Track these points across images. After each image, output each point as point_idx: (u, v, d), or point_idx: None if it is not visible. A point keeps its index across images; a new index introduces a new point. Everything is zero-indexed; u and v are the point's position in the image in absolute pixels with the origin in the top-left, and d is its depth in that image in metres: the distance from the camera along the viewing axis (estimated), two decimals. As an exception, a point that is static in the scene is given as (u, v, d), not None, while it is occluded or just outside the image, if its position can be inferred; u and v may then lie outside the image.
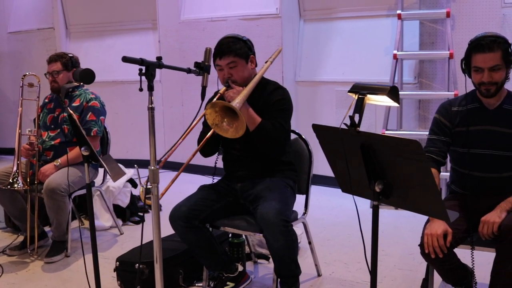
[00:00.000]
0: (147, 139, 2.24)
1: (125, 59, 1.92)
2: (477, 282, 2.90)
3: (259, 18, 5.58)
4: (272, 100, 3.03)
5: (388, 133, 4.71)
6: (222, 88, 2.97)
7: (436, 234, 2.48)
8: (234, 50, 2.99)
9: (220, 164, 3.31)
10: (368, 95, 2.00)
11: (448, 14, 4.57)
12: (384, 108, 4.80)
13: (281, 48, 3.26)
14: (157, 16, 6.36)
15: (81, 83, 3.99)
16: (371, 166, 1.99)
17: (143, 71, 2.01)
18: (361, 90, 2.01)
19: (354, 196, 2.23)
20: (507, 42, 2.61)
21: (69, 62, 3.89)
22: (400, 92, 4.82)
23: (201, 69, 2.23)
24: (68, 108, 2.56)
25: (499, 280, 2.53)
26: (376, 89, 2.00)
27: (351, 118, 1.97)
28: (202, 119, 3.06)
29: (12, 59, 7.42)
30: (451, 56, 4.54)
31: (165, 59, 2.13)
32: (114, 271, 3.24)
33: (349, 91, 2.08)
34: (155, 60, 2.08)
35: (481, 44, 2.58)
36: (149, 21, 6.53)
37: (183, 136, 2.70)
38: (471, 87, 2.75)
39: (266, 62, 3.13)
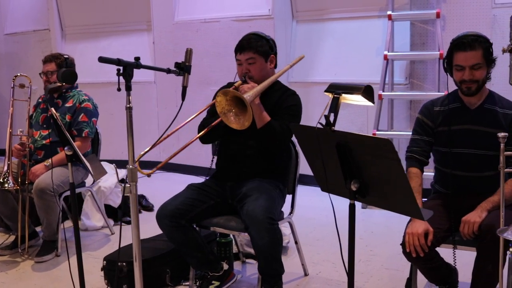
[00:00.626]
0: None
1: (102, 59, 1.94)
2: (458, 282, 2.93)
3: (252, 19, 5.61)
4: (285, 104, 3.09)
5: (379, 133, 4.73)
6: (238, 82, 3.05)
7: (417, 233, 2.50)
8: (255, 47, 3.06)
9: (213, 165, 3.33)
10: (344, 95, 2.02)
11: (438, 15, 4.59)
12: (375, 109, 4.81)
13: (303, 56, 3.29)
14: (151, 18, 6.39)
15: (75, 84, 4.03)
16: (346, 165, 2.01)
17: (121, 71, 2.02)
18: (336, 89, 2.03)
19: (333, 196, 2.24)
20: (488, 41, 2.63)
21: (63, 63, 3.91)
22: (391, 93, 4.87)
23: (181, 69, 2.24)
24: (53, 108, 2.57)
25: (480, 279, 2.55)
26: (351, 89, 2.02)
27: (327, 117, 1.99)
28: (205, 112, 3.12)
29: (8, 60, 7.46)
30: (441, 56, 4.56)
31: (160, 60, 2.18)
32: (101, 270, 3.26)
33: (325, 91, 2.10)
34: (133, 61, 2.09)
35: (463, 43, 2.61)
36: (144, 23, 6.56)
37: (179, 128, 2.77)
38: (453, 87, 2.77)
39: (285, 66, 3.18)
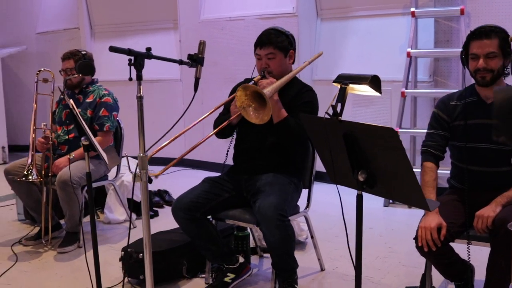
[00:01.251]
0: (167, 138, 2.35)
1: (113, 49, 1.99)
2: (474, 279, 2.89)
3: (276, 17, 5.62)
4: (301, 100, 3.10)
5: (401, 131, 4.69)
6: (257, 76, 3.08)
7: (430, 227, 2.49)
8: (275, 42, 3.08)
9: (229, 161, 3.36)
10: (351, 85, 2.03)
11: (462, 12, 4.54)
12: (398, 106, 4.78)
13: (322, 52, 3.34)
14: (178, 16, 6.47)
15: (96, 79, 4.12)
16: (354, 155, 2.02)
17: (132, 61, 2.06)
18: (343, 79, 2.04)
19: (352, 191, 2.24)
20: (505, 32, 2.60)
21: (81, 59, 3.99)
22: (414, 90, 4.82)
23: (194, 60, 2.27)
24: (71, 100, 2.63)
25: (494, 274, 2.52)
26: (358, 79, 2.02)
27: (334, 107, 2.00)
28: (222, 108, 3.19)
29: (39, 59, 7.62)
30: (465, 54, 4.49)
31: (185, 58, 2.22)
32: (119, 261, 3.31)
33: (333, 81, 2.11)
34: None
35: (479, 32, 2.60)
36: (170, 21, 6.65)
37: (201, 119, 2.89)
38: (470, 81, 2.74)
39: (304, 62, 3.21)
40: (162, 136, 2.41)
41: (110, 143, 4.02)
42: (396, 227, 4.26)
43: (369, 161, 2.00)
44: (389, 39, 5.23)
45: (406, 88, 4.74)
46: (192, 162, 6.39)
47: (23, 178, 3.76)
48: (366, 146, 1.97)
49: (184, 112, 2.50)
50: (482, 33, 2.57)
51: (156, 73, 6.10)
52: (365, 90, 2.05)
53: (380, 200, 4.79)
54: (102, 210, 4.61)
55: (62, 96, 4.19)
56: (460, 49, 4.48)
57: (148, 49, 2.11)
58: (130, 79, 2.04)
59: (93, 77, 4.10)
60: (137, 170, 2.11)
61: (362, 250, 2.15)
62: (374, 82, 2.01)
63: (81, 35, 7.05)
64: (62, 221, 4.20)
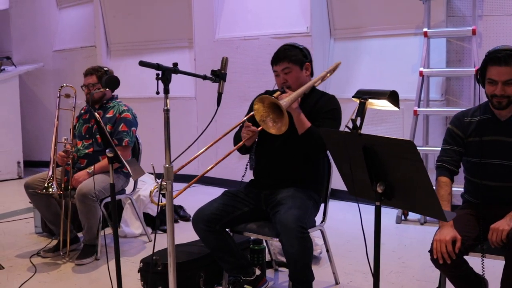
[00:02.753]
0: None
1: (142, 63, 2.08)
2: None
3: (291, 37, 5.72)
4: (325, 108, 3.18)
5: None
6: (276, 92, 3.15)
7: (445, 240, 2.54)
8: (289, 56, 3.17)
9: (247, 177, 3.40)
10: (370, 100, 2.10)
11: (474, 32, 4.62)
12: (411, 125, 4.85)
13: (340, 62, 3.41)
14: (193, 35, 6.59)
15: (116, 95, 4.22)
16: (373, 167, 2.09)
17: (160, 75, 2.15)
18: (363, 95, 2.12)
19: (360, 203, 2.31)
20: None
21: (104, 76, 4.10)
22: (426, 109, 4.89)
23: (217, 76, 2.36)
24: (96, 113, 2.73)
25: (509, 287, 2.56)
26: (377, 94, 2.10)
27: (353, 121, 2.08)
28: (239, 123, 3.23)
29: (56, 76, 7.77)
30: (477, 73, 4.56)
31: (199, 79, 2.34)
32: (138, 272, 3.38)
33: (352, 97, 2.19)
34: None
35: (498, 57, 2.65)
36: (186, 40, 6.77)
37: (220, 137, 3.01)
38: (484, 98, 2.82)
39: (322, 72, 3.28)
40: (184, 151, 2.48)
41: (128, 158, 4.10)
42: (408, 243, 4.30)
43: (388, 173, 2.07)
44: (401, 59, 5.31)
45: (419, 107, 4.81)
46: (204, 179, 6.45)
47: (44, 191, 3.85)
48: (385, 159, 2.04)
49: (206, 128, 2.61)
50: (501, 59, 2.62)
51: (171, 90, 6.16)
52: (383, 105, 2.13)
53: (393, 217, 4.84)
54: (118, 223, 4.68)
55: (82, 111, 4.32)
56: (472, 68, 4.63)
57: (175, 64, 2.21)
58: (158, 92, 2.13)
59: (113, 93, 4.20)
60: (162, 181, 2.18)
61: (380, 260, 2.19)
62: (393, 97, 2.09)
63: (97, 52, 7.19)
64: (79, 234, 4.28)
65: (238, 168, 6.17)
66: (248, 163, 3.30)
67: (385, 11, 5.42)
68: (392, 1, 5.34)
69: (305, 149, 3.09)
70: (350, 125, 2.08)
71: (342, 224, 4.76)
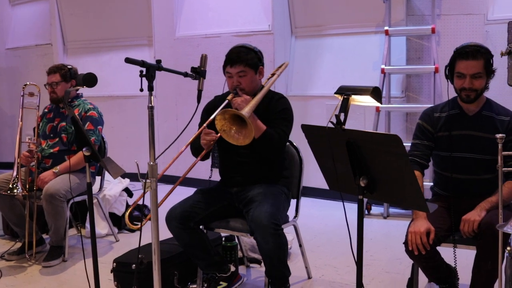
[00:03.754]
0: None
1: (128, 60, 2.06)
2: (459, 282, 3.03)
3: (252, 35, 5.76)
4: (276, 109, 3.15)
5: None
6: (230, 95, 3.07)
7: (419, 232, 2.62)
8: (245, 60, 3.10)
9: (214, 177, 3.40)
10: (353, 96, 2.15)
11: (433, 30, 4.76)
12: (373, 121, 4.95)
13: (288, 63, 3.39)
14: (152, 33, 6.54)
15: (80, 94, 4.14)
16: (356, 162, 2.14)
17: (144, 72, 2.14)
18: (346, 91, 2.16)
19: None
20: (489, 53, 2.77)
21: (67, 74, 4.03)
22: (388, 105, 5.00)
23: (197, 73, 2.37)
24: (71, 111, 2.69)
25: (480, 276, 2.66)
26: (360, 90, 2.15)
27: (337, 117, 2.12)
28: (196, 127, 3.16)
29: (9, 75, 7.56)
30: (436, 70, 4.72)
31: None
32: (111, 272, 3.34)
33: (335, 93, 2.23)
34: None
35: (466, 52, 2.74)
36: (145, 38, 6.70)
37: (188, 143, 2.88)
38: (452, 94, 2.91)
39: (272, 75, 3.24)
40: (168, 147, 2.47)
41: (95, 157, 4.04)
42: (374, 237, 4.40)
43: (370, 167, 2.13)
44: (362, 56, 5.42)
45: (381, 104, 4.90)
46: (167, 178, 6.40)
47: (8, 192, 3.75)
48: (368, 153, 2.09)
49: (187, 126, 2.56)
50: (469, 53, 2.72)
51: (131, 89, 6.14)
52: (366, 101, 2.18)
53: (354, 211, 4.93)
54: (83, 224, 4.61)
55: (46, 110, 4.22)
56: (432, 66, 4.76)
57: (158, 61, 2.20)
58: (141, 89, 2.11)
59: (77, 92, 4.13)
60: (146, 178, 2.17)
61: (363, 252, 2.25)
62: (376, 93, 2.14)
63: (53, 50, 7.03)
64: (45, 235, 4.19)
65: (202, 167, 6.16)
66: (211, 162, 3.28)
67: (346, 9, 5.52)
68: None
69: (262, 151, 3.07)
70: (334, 120, 2.11)
71: (309, 219, 4.82)
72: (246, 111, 2.77)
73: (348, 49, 5.55)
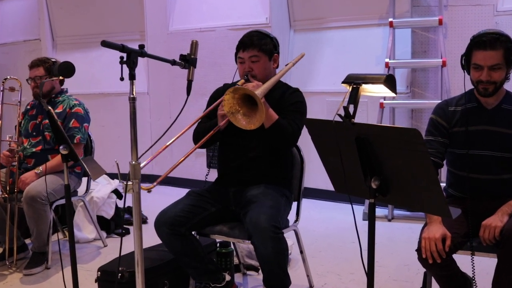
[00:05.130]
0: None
1: (105, 44, 1.81)
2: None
3: (249, 28, 5.43)
4: (290, 101, 2.97)
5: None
6: (240, 81, 2.92)
7: (434, 238, 2.37)
8: (259, 44, 2.94)
9: (210, 177, 3.17)
10: (364, 85, 1.89)
11: (440, 22, 4.51)
12: (376, 118, 4.71)
13: (304, 53, 3.24)
14: (145, 27, 6.29)
15: (65, 89, 3.89)
16: (366, 160, 1.88)
17: (124, 59, 1.87)
18: (355, 80, 1.90)
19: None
20: (510, 41, 2.50)
21: (52, 67, 3.76)
22: (392, 101, 4.75)
23: (186, 61, 2.10)
24: (45, 104, 2.42)
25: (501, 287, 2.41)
26: (371, 79, 1.89)
27: (346, 108, 1.85)
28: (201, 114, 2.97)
29: (-4, 71, 7.31)
30: (443, 64, 4.47)
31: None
32: (96, 282, 3.07)
33: (342, 82, 1.97)
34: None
35: (483, 41, 2.48)
36: (137, 33, 6.44)
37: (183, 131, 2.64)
38: (469, 85, 2.65)
39: (287, 65, 3.08)
40: (153, 145, 2.21)
41: (81, 156, 3.78)
42: (378, 241, 4.10)
43: (383, 166, 1.87)
44: (364, 50, 5.18)
45: (385, 99, 4.66)
46: (165, 179, 6.18)
47: (-13, 195, 3.49)
48: (381, 150, 1.83)
49: (172, 124, 2.32)
50: (487, 43, 2.46)
51: (122, 86, 5.89)
52: (379, 90, 1.92)
53: (359, 213, 4.68)
54: (70, 228, 4.35)
55: (28, 107, 3.96)
56: (439, 59, 4.52)
57: (141, 47, 1.94)
58: (122, 78, 1.85)
59: (62, 87, 3.88)
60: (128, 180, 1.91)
61: (374, 259, 2.00)
62: (389, 81, 1.88)
63: (42, 46, 6.77)
64: (27, 241, 3.93)
65: (195, 167, 5.94)
66: (207, 162, 3.07)
67: (347, 1, 5.28)
68: (354, -9, 5.21)
69: (273, 143, 2.88)
70: (342, 112, 1.85)
71: (308, 222, 4.56)
72: (258, 91, 2.57)
73: (350, 42, 5.30)
